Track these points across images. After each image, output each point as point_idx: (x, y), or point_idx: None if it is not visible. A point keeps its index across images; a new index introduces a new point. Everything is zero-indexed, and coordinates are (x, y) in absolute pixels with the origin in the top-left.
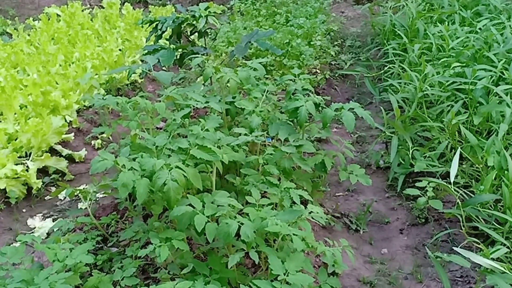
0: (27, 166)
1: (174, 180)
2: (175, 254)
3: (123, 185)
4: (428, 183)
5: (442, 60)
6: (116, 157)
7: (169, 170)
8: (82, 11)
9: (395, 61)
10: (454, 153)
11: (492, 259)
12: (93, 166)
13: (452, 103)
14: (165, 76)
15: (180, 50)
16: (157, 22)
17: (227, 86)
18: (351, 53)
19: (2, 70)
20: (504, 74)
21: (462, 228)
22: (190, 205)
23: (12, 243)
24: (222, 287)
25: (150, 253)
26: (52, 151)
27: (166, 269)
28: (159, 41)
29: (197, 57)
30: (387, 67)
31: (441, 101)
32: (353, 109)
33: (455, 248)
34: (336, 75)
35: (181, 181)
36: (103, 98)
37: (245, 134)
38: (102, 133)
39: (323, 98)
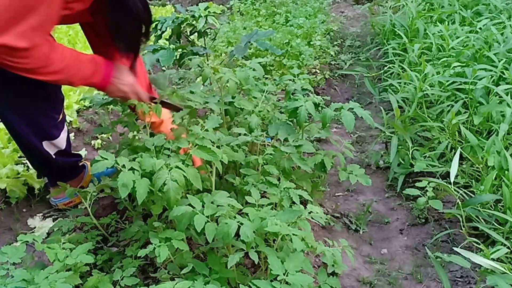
0: (28, 166)
1: (174, 180)
2: (175, 254)
3: (123, 185)
4: (428, 183)
5: (442, 60)
6: (116, 157)
7: (169, 170)
8: None
9: (395, 61)
10: (454, 153)
11: (493, 259)
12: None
13: (452, 103)
14: (161, 81)
15: (179, 50)
16: (157, 22)
17: (227, 86)
18: (350, 53)
19: None
20: (504, 74)
21: (462, 228)
22: (189, 205)
23: (12, 243)
24: (221, 287)
25: (150, 253)
26: None
27: (166, 269)
28: (159, 41)
29: (196, 57)
30: (387, 67)
31: (441, 101)
32: (352, 109)
33: (455, 248)
34: (336, 75)
35: (181, 181)
36: (103, 98)
37: (245, 134)
38: (102, 133)
39: (323, 98)
